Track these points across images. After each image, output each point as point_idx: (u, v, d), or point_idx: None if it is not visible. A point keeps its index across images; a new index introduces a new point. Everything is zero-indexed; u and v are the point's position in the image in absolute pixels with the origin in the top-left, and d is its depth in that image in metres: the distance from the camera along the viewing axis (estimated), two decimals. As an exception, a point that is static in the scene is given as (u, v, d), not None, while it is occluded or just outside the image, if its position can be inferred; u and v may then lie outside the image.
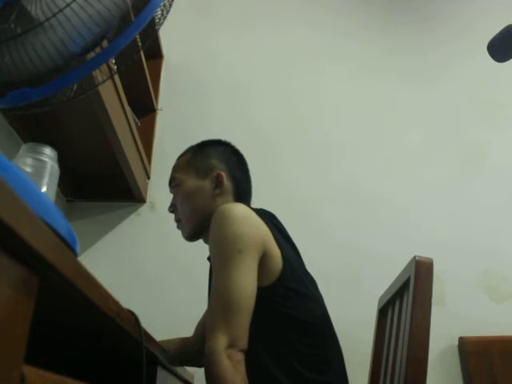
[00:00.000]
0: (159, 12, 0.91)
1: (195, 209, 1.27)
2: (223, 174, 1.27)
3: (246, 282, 1.03)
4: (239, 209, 1.12)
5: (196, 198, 1.27)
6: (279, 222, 1.24)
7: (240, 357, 0.98)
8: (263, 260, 1.09)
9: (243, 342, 0.99)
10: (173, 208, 1.32)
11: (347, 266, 2.15)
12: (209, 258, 1.18)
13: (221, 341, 0.97)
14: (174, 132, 2.35)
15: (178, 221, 1.32)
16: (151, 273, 2.10)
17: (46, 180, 0.83)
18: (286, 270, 1.11)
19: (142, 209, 2.23)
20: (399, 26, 2.67)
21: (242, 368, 0.97)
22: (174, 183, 1.32)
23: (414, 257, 1.09)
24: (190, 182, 1.28)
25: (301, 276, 1.17)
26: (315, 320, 1.14)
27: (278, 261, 1.11)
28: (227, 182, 1.27)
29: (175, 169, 1.34)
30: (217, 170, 1.28)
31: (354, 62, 2.56)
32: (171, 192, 1.34)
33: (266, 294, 1.07)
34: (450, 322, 2.06)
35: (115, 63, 0.97)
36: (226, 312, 1.00)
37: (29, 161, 0.82)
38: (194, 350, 1.40)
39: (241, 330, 0.99)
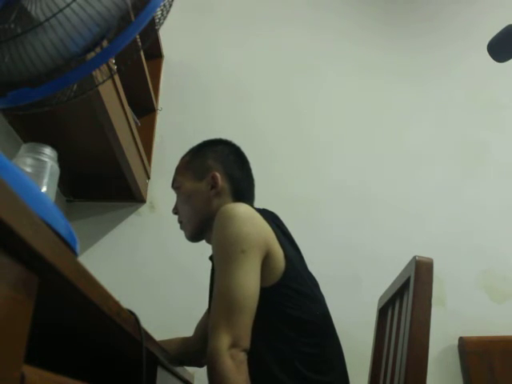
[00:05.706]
0: (159, 12, 0.91)
1: (194, 211, 1.29)
2: (217, 175, 1.27)
3: (249, 283, 1.03)
4: (242, 209, 1.12)
5: (194, 200, 1.28)
6: (282, 223, 1.25)
7: (242, 357, 0.98)
8: (266, 260, 1.09)
9: (246, 341, 0.99)
10: (176, 210, 1.34)
11: (347, 266, 2.15)
12: (211, 258, 1.19)
13: (223, 340, 0.97)
14: (174, 132, 2.35)
15: (180, 222, 1.34)
16: (151, 273, 2.10)
17: (46, 180, 0.83)
18: (288, 271, 1.11)
19: (142, 209, 2.23)
20: (399, 26, 2.67)
21: (245, 368, 0.98)
22: (174, 185, 1.35)
23: (414, 257, 1.09)
24: (189, 184, 1.30)
25: (303, 276, 1.17)
26: (316, 320, 1.14)
27: (281, 261, 1.11)
28: (222, 183, 1.27)
29: (176, 171, 1.36)
30: (212, 170, 1.28)
31: (354, 62, 2.56)
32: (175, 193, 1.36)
33: (268, 293, 1.07)
34: (450, 322, 2.06)
35: (115, 63, 0.97)
36: (228, 312, 1.00)
37: (29, 161, 0.82)
38: (195, 350, 1.40)
39: (243, 330, 0.99)
